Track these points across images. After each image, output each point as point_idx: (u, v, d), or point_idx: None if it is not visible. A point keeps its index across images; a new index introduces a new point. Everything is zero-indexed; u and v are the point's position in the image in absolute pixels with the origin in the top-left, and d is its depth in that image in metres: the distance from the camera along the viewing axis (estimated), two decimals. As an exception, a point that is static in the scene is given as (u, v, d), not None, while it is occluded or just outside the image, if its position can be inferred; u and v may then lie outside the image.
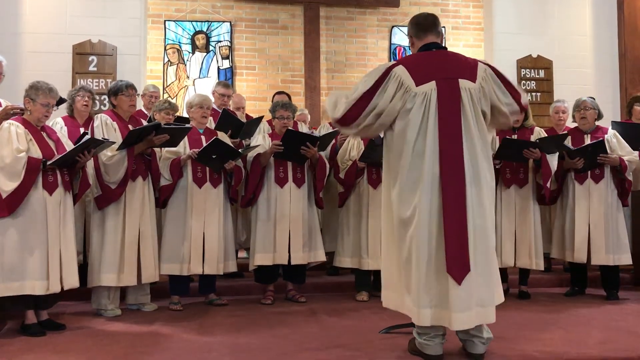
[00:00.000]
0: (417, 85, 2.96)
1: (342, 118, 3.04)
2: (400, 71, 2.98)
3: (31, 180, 3.62)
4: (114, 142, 4.10)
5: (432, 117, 2.93)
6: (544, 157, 4.70)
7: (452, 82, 2.97)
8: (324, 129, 5.75)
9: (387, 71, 2.99)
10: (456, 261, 2.86)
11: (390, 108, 2.96)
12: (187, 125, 4.48)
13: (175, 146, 4.47)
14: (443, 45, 3.19)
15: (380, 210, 4.69)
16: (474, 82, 3.00)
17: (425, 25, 3.12)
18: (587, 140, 4.89)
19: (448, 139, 2.92)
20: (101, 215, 4.25)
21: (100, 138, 4.00)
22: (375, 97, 2.97)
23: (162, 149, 4.50)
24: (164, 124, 4.31)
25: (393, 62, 3.10)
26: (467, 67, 3.04)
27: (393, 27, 8.13)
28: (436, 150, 2.91)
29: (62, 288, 3.72)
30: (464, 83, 2.98)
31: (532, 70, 7.70)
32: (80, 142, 3.78)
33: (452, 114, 2.94)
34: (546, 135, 4.92)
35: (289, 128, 4.69)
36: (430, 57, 3.07)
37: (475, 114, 2.98)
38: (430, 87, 2.95)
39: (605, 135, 4.87)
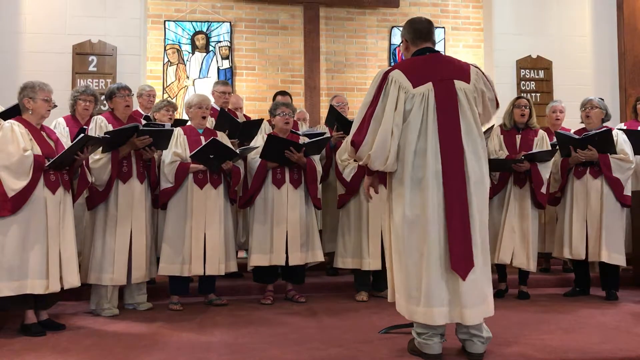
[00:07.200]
0: (414, 87, 3.02)
1: (353, 142, 3.03)
2: (397, 75, 3.05)
3: (38, 178, 3.64)
4: (109, 136, 4.09)
5: (432, 117, 2.99)
6: (534, 167, 4.71)
7: (448, 82, 3.05)
8: (318, 129, 5.74)
9: (385, 77, 3.05)
10: (461, 257, 2.89)
11: (397, 111, 2.98)
12: (167, 127, 4.43)
13: (164, 149, 4.46)
14: (436, 49, 3.25)
15: (380, 210, 4.75)
16: (468, 83, 3.09)
17: (423, 34, 3.19)
18: None
19: (448, 138, 2.97)
20: (94, 215, 4.29)
21: (97, 135, 4.01)
22: (380, 102, 3.00)
23: (163, 152, 4.51)
24: (144, 125, 4.31)
25: (387, 68, 3.16)
26: (461, 70, 3.13)
27: (393, 27, 8.13)
28: (437, 148, 2.96)
29: (62, 287, 3.72)
30: (459, 84, 3.07)
31: (532, 71, 7.70)
32: (75, 141, 3.80)
33: (450, 114, 3.00)
34: (547, 137, 4.94)
35: (270, 134, 4.69)
36: (425, 61, 3.14)
37: (472, 114, 3.06)
38: (427, 87, 3.02)
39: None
